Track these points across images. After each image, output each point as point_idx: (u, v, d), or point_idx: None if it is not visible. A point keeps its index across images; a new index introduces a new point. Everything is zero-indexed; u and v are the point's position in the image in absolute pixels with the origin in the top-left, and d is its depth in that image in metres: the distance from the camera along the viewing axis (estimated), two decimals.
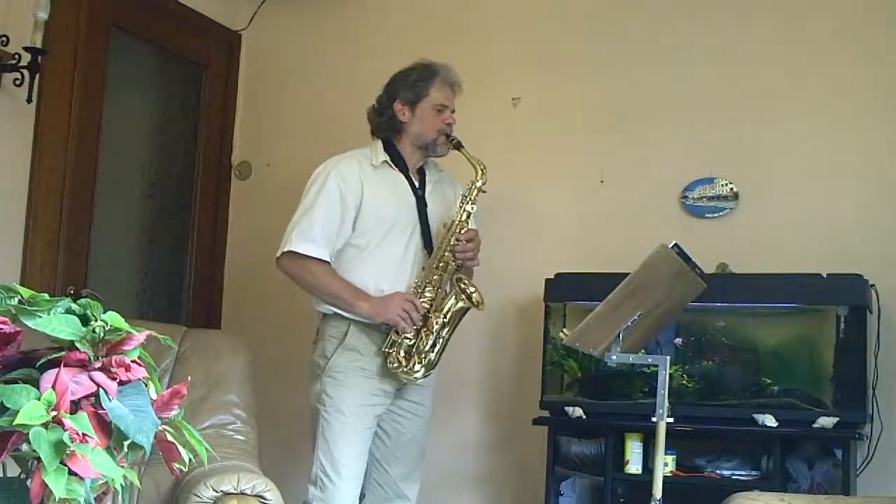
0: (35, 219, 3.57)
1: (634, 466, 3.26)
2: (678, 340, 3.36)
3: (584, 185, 3.86)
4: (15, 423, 1.50)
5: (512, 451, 3.84)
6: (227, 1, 4.49)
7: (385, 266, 3.09)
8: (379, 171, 3.14)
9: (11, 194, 3.51)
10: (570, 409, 3.34)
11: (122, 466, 1.62)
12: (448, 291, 3.08)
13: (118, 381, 1.64)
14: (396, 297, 3.02)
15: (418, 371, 3.04)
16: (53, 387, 1.56)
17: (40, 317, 1.65)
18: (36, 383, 1.59)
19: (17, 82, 3.42)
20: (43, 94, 3.56)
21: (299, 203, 3.11)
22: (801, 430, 3.14)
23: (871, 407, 3.23)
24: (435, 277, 3.07)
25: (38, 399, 1.55)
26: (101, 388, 1.61)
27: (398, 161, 3.16)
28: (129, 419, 1.61)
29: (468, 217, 3.10)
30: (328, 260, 3.07)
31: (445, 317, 3.04)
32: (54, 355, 1.64)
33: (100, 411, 1.61)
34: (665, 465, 2.90)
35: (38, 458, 1.50)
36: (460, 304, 3.05)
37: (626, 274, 2.59)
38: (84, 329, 1.65)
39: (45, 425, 1.52)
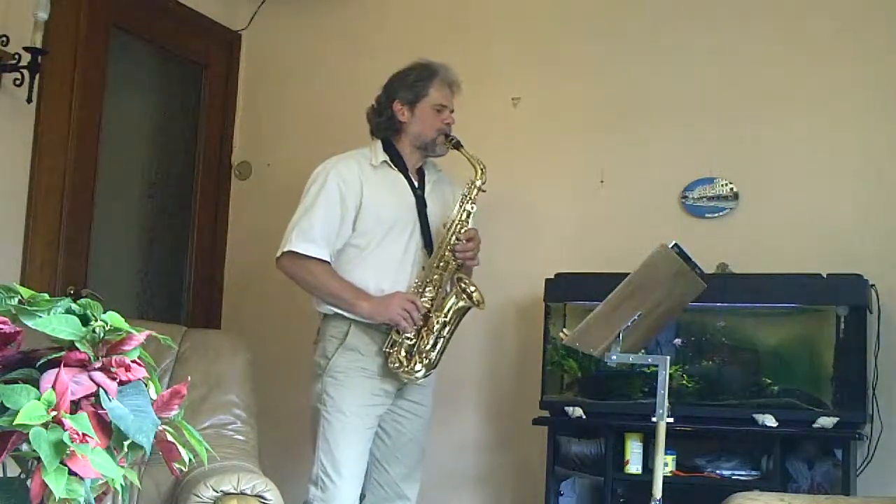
0: (35, 219, 3.57)
1: (634, 466, 3.26)
2: (677, 341, 3.35)
3: (584, 185, 3.86)
4: (15, 423, 1.50)
5: (512, 451, 3.84)
6: (227, 1, 4.49)
7: (385, 266, 3.09)
8: (378, 171, 3.14)
9: (11, 194, 3.52)
10: (570, 409, 3.34)
11: (122, 466, 1.62)
12: (448, 291, 3.08)
13: (118, 381, 1.64)
14: (397, 297, 3.02)
15: (419, 371, 3.04)
16: (53, 387, 1.56)
17: (40, 317, 1.65)
18: (36, 383, 1.59)
19: (17, 82, 3.42)
20: (43, 94, 3.56)
21: (299, 203, 3.11)
22: (801, 430, 3.14)
23: (871, 407, 3.23)
24: (435, 277, 3.07)
25: (38, 399, 1.55)
26: (101, 388, 1.61)
27: (397, 161, 3.17)
28: (129, 419, 1.61)
29: (468, 216, 3.10)
30: (328, 260, 3.08)
31: (446, 316, 3.05)
32: (54, 355, 1.64)
33: (100, 411, 1.61)
34: (665, 465, 2.90)
35: (38, 458, 1.50)
36: (461, 304, 3.05)
37: (626, 274, 2.59)
38: (84, 329, 1.66)
39: (45, 425, 1.52)
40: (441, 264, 3.08)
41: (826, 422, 3.08)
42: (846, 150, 3.53)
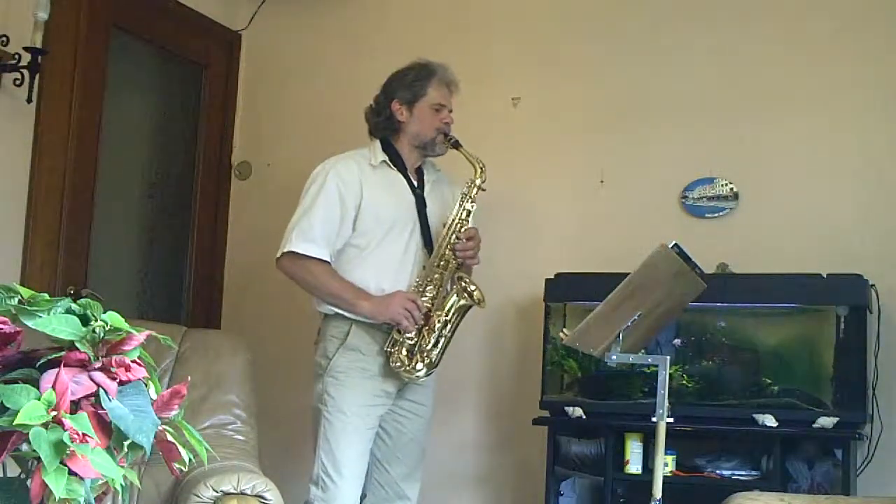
0: (35, 219, 3.57)
1: (634, 466, 3.26)
2: (677, 341, 3.35)
3: (584, 185, 3.86)
4: (15, 423, 1.50)
5: (512, 451, 3.84)
6: (227, 1, 4.49)
7: (385, 265, 3.09)
8: (378, 171, 3.14)
9: (11, 194, 3.51)
10: (570, 409, 3.34)
11: (122, 466, 1.62)
12: (449, 290, 3.09)
13: (118, 381, 1.64)
14: (398, 296, 3.02)
15: (420, 370, 3.04)
16: (53, 387, 1.56)
17: (40, 317, 1.65)
18: (36, 383, 1.59)
19: (17, 82, 3.42)
20: (43, 94, 3.56)
21: (298, 204, 3.11)
22: (801, 430, 3.14)
23: (871, 407, 3.23)
24: (436, 276, 3.07)
25: (38, 399, 1.55)
26: (101, 388, 1.61)
27: (397, 161, 3.17)
28: (129, 419, 1.61)
29: (468, 215, 3.10)
30: (328, 260, 3.08)
31: (447, 315, 3.05)
32: (54, 355, 1.64)
33: (100, 411, 1.61)
34: (665, 465, 2.90)
35: (38, 458, 1.50)
36: (462, 302, 3.05)
37: (626, 274, 2.59)
38: (84, 329, 1.65)
39: (45, 425, 1.52)
40: (441, 263, 3.08)
41: (826, 422, 3.08)
42: (846, 150, 3.53)
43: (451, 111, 3.20)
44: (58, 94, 3.63)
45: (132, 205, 4.16)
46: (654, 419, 2.62)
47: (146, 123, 4.25)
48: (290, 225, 3.09)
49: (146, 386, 1.70)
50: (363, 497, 3.12)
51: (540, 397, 3.48)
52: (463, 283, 3.05)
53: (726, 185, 3.64)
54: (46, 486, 1.48)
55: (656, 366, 2.66)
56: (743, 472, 3.21)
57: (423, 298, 3.04)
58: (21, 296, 1.68)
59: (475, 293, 3.04)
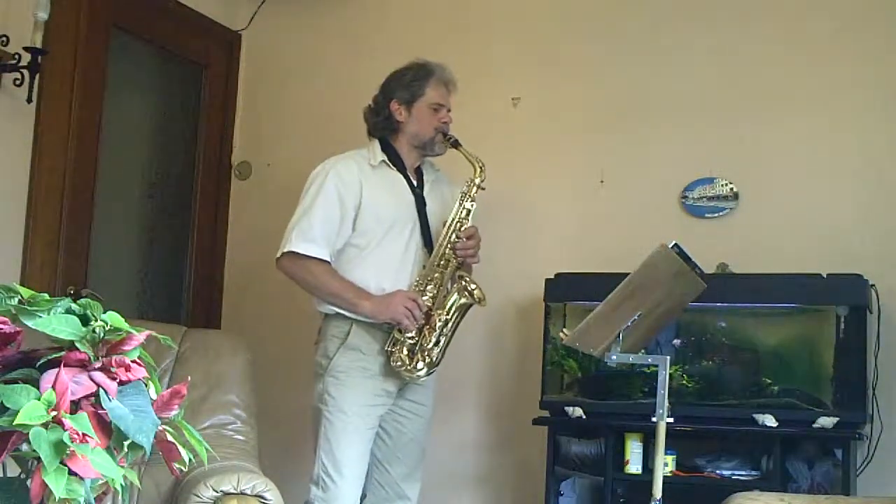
0: (35, 219, 3.57)
1: (634, 466, 3.26)
2: (676, 341, 3.35)
3: (584, 185, 3.86)
4: (15, 423, 1.50)
5: (512, 451, 3.84)
6: (227, 1, 4.49)
7: (386, 265, 3.09)
8: (377, 171, 3.15)
9: (11, 194, 3.51)
10: (570, 409, 3.34)
11: (122, 466, 1.62)
12: (450, 288, 3.09)
13: (118, 381, 1.64)
14: (399, 295, 3.02)
15: (421, 369, 3.04)
16: (53, 387, 1.56)
17: (40, 317, 1.65)
18: (36, 383, 1.59)
19: (17, 82, 3.42)
20: (43, 94, 3.56)
21: (298, 204, 3.11)
22: (801, 430, 3.14)
23: (871, 407, 3.23)
24: (436, 275, 3.07)
25: (38, 399, 1.55)
26: (101, 388, 1.61)
27: (396, 160, 3.17)
28: (129, 419, 1.61)
29: (468, 214, 3.11)
30: (328, 260, 3.08)
31: (448, 313, 3.05)
32: (54, 355, 1.64)
33: (100, 411, 1.61)
34: (665, 465, 2.90)
35: (38, 458, 1.50)
36: (463, 301, 3.06)
37: (626, 274, 2.59)
38: (84, 329, 1.66)
39: (45, 425, 1.52)
40: (442, 262, 3.08)
41: (826, 422, 3.08)
42: (846, 150, 3.53)
43: (449, 111, 3.20)
44: (58, 94, 3.63)
45: (132, 205, 4.16)
46: (654, 419, 2.62)
47: (146, 123, 4.25)
48: (290, 225, 3.09)
49: (146, 386, 1.70)
50: (363, 497, 3.12)
51: (540, 397, 3.48)
52: (463, 282, 3.05)
53: (726, 185, 3.64)
54: (46, 486, 1.48)
55: (656, 366, 2.66)
56: (743, 472, 3.21)
57: (424, 297, 3.04)
58: (21, 296, 1.68)
59: (476, 292, 3.05)
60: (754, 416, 3.14)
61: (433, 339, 3.04)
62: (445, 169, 3.31)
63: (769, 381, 3.30)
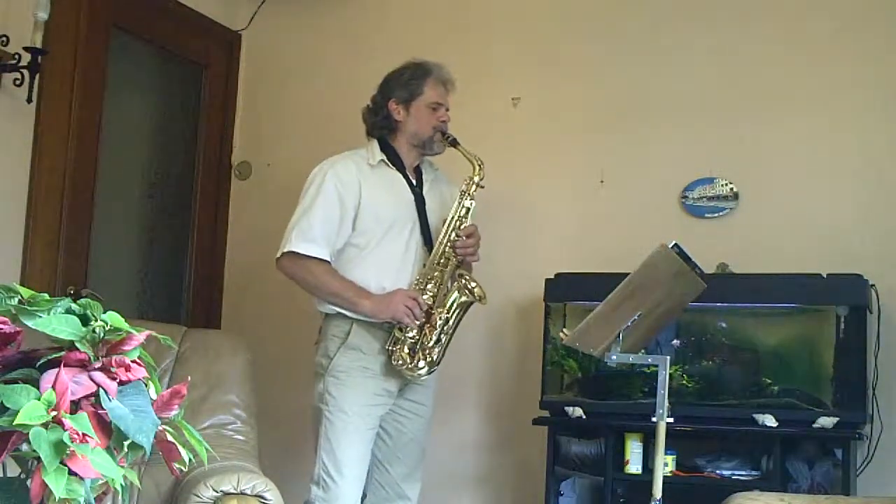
0: (35, 219, 3.57)
1: (634, 466, 3.26)
2: (676, 342, 3.35)
3: (584, 185, 3.86)
4: (15, 423, 1.50)
5: (512, 451, 3.84)
6: (227, 1, 4.49)
7: (386, 264, 3.09)
8: (376, 171, 3.15)
9: (11, 194, 3.51)
10: (570, 409, 3.34)
11: (122, 466, 1.62)
12: (450, 287, 3.09)
13: (118, 381, 1.64)
14: (399, 294, 3.02)
15: (422, 368, 3.04)
16: (53, 387, 1.56)
17: (40, 317, 1.65)
18: (36, 383, 1.59)
19: (17, 82, 3.42)
20: (43, 94, 3.56)
21: (297, 204, 3.11)
22: (801, 430, 3.14)
23: (871, 407, 3.23)
24: (436, 274, 3.08)
25: (38, 399, 1.55)
26: (101, 388, 1.61)
27: (395, 160, 3.17)
28: (129, 419, 1.61)
29: (467, 213, 3.11)
30: (328, 260, 3.08)
31: (448, 312, 3.06)
32: (54, 355, 1.64)
33: (100, 411, 1.61)
34: (665, 465, 2.90)
35: (38, 458, 1.50)
36: (463, 299, 3.06)
37: (626, 274, 2.59)
38: (84, 329, 1.66)
39: (45, 425, 1.52)
40: (442, 261, 3.08)
41: (826, 422, 3.08)
42: (846, 150, 3.53)
43: (448, 110, 3.20)
44: (58, 94, 3.63)
45: (132, 205, 4.16)
46: (654, 419, 2.62)
47: (146, 123, 4.25)
48: (290, 225, 3.09)
49: (146, 386, 1.70)
50: (364, 497, 3.12)
51: (540, 397, 3.48)
52: (464, 280, 3.05)
53: (726, 185, 3.64)
54: (46, 486, 1.48)
55: (656, 366, 2.66)
56: (743, 472, 3.21)
57: (425, 296, 3.05)
58: (21, 296, 1.68)
59: (476, 289, 3.05)
60: (754, 416, 3.14)
61: (434, 338, 3.05)
62: (444, 168, 3.31)
63: (769, 381, 3.30)
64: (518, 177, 3.87)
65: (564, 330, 3.04)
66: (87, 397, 1.61)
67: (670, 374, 2.65)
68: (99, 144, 3.84)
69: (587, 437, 3.42)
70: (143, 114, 4.24)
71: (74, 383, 1.59)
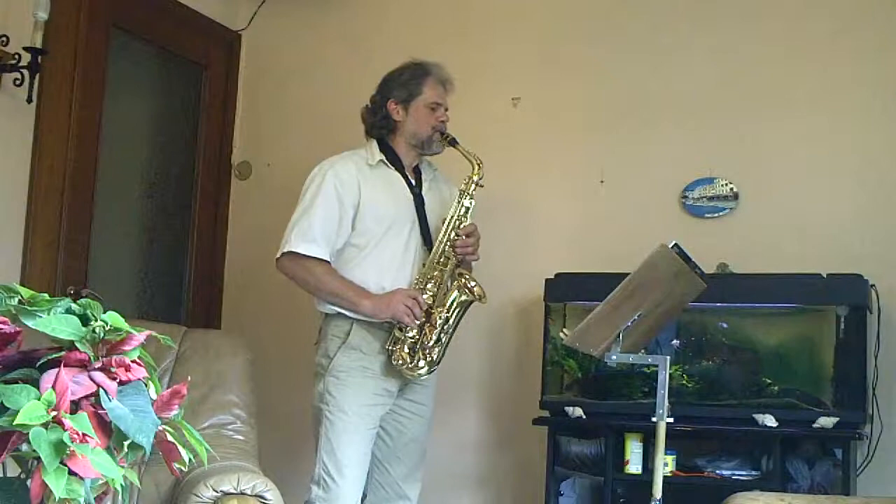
0: (35, 219, 3.57)
1: (634, 466, 3.26)
2: (675, 342, 3.36)
3: (584, 185, 3.86)
4: (15, 423, 1.50)
5: (512, 451, 3.84)
6: (227, 1, 4.49)
7: (386, 264, 3.09)
8: (375, 171, 3.15)
9: (11, 194, 3.51)
10: (570, 409, 3.34)
11: (122, 466, 1.62)
12: (450, 286, 3.09)
13: (118, 381, 1.64)
14: (399, 293, 3.03)
15: (423, 367, 3.05)
16: (53, 387, 1.56)
17: (40, 317, 1.65)
18: (36, 383, 1.59)
19: (17, 82, 3.42)
20: (43, 94, 3.56)
21: (297, 205, 3.11)
22: (801, 430, 3.14)
23: (871, 407, 3.23)
24: (436, 273, 3.08)
25: (38, 399, 1.55)
26: (101, 388, 1.61)
27: (394, 160, 3.17)
28: (129, 419, 1.61)
29: (467, 212, 3.11)
30: (328, 260, 3.08)
31: (448, 311, 3.06)
32: (54, 355, 1.64)
33: (100, 411, 1.61)
34: (665, 465, 2.90)
35: (38, 458, 1.50)
36: (463, 298, 3.06)
37: (626, 274, 2.59)
38: (84, 329, 1.65)
39: (45, 425, 1.52)
40: (441, 260, 3.09)
41: (826, 422, 3.08)
42: (846, 150, 3.53)
43: (447, 109, 3.20)
44: (58, 94, 3.63)
45: (132, 205, 4.16)
46: (654, 419, 2.62)
47: (146, 123, 4.25)
48: (290, 225, 3.09)
49: (146, 386, 1.70)
50: (364, 497, 3.12)
51: (540, 397, 3.48)
52: (463, 280, 3.05)
53: (726, 185, 3.64)
54: (46, 486, 1.48)
55: (656, 366, 2.66)
56: (743, 472, 3.21)
57: (424, 295, 3.05)
58: (21, 296, 1.68)
59: (476, 288, 3.05)
60: (754, 416, 3.14)
61: (434, 337, 3.05)
62: (444, 168, 3.31)
63: (769, 381, 3.30)
64: (518, 177, 3.87)
65: (564, 330, 3.05)
66: (87, 397, 1.61)
67: (670, 374, 2.65)
68: (99, 144, 3.84)
69: (587, 437, 3.42)
70: (143, 114, 4.24)
71: (74, 383, 1.59)
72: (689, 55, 3.77)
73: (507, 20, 4.09)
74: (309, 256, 3.05)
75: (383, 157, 3.16)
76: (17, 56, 3.41)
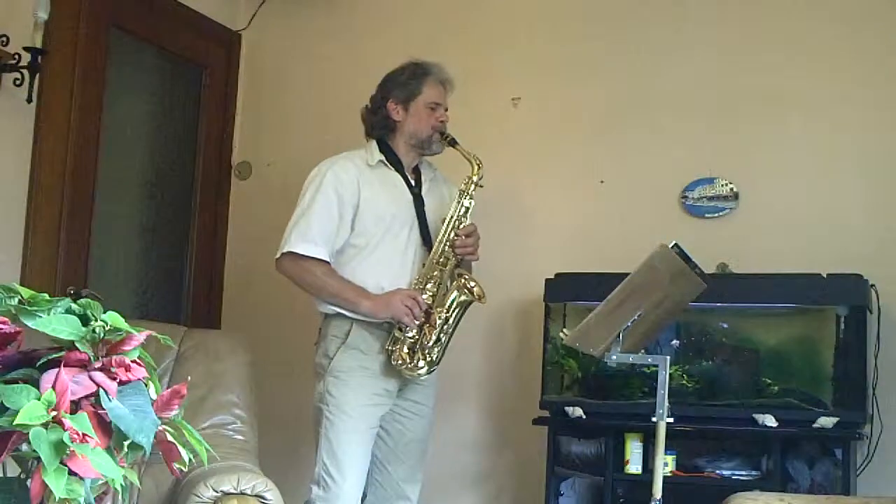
0: (35, 219, 3.57)
1: (634, 466, 3.26)
2: (675, 342, 3.36)
3: (584, 185, 3.86)
4: (15, 423, 1.50)
5: (512, 451, 3.84)
6: (227, 1, 4.49)
7: (385, 264, 3.09)
8: (375, 171, 3.15)
9: (11, 194, 3.51)
10: (570, 409, 3.34)
11: (122, 466, 1.62)
12: (449, 286, 3.09)
13: (118, 381, 1.64)
14: (399, 293, 3.03)
15: (422, 367, 3.04)
16: (53, 387, 1.56)
17: (40, 317, 1.65)
18: (36, 383, 1.59)
19: (17, 82, 3.42)
20: (43, 94, 3.56)
21: (296, 205, 3.11)
22: (801, 430, 3.14)
23: (871, 407, 3.23)
24: (435, 273, 3.08)
25: (38, 399, 1.55)
26: (101, 388, 1.61)
27: (393, 160, 3.17)
28: (129, 419, 1.61)
29: (466, 212, 3.11)
30: (328, 260, 3.08)
31: (448, 311, 3.06)
32: (54, 355, 1.64)
33: (100, 411, 1.61)
34: (665, 465, 2.90)
35: (38, 458, 1.50)
36: (463, 298, 3.06)
37: (626, 274, 2.59)
38: (84, 329, 1.65)
39: (45, 425, 1.52)
40: (441, 260, 3.08)
41: (826, 422, 3.08)
42: (846, 150, 3.53)
43: (446, 109, 3.20)
44: (58, 94, 3.63)
45: (132, 205, 4.16)
46: (654, 419, 2.62)
47: (146, 123, 4.25)
48: (289, 226, 3.09)
49: (146, 386, 1.70)
50: (364, 497, 3.12)
51: (540, 397, 3.48)
52: (463, 280, 3.05)
53: (726, 185, 3.64)
54: (46, 486, 1.48)
55: (656, 366, 2.66)
56: (743, 472, 3.21)
57: (424, 296, 3.05)
58: (21, 296, 1.68)
59: (475, 288, 3.05)
60: (754, 416, 3.14)
61: (433, 337, 3.05)
62: (443, 168, 3.31)
63: (769, 381, 3.30)
64: (518, 177, 3.87)
65: (564, 330, 3.05)
66: (87, 397, 1.61)
67: (670, 374, 2.65)
68: (99, 144, 3.84)
69: (587, 437, 3.42)
70: (143, 114, 4.24)
71: (74, 383, 1.59)
72: (690, 55, 3.77)
73: (508, 20, 4.08)
74: (308, 257, 3.05)
75: (383, 158, 3.16)
76: (17, 56, 3.41)
